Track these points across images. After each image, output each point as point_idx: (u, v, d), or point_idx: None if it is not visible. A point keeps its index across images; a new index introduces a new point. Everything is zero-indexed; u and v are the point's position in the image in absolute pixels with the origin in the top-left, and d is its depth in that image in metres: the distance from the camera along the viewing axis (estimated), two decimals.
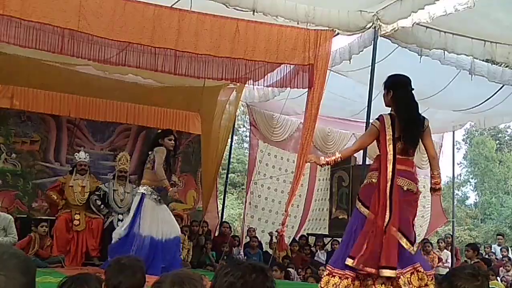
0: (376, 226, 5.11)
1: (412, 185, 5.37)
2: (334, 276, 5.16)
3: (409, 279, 5.02)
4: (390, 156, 5.26)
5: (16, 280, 1.51)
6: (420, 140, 5.42)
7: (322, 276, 5.41)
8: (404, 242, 5.10)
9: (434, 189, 5.58)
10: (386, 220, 5.07)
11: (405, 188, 5.28)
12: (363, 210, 5.27)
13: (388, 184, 5.17)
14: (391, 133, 5.30)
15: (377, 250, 5.04)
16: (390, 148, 5.26)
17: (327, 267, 5.37)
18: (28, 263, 1.59)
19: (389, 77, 5.64)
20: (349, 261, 5.10)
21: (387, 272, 4.98)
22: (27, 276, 1.54)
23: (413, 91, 5.58)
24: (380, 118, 5.37)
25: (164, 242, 7.75)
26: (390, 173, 5.20)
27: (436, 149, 14.86)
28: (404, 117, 5.36)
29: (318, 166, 5.94)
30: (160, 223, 7.81)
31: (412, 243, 5.15)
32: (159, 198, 7.88)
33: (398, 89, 5.50)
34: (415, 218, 5.45)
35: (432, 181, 5.57)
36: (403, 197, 5.24)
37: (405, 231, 5.16)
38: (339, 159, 5.43)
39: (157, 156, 7.84)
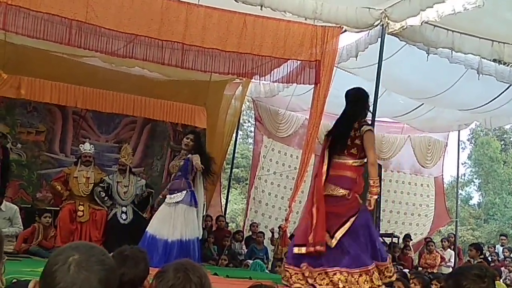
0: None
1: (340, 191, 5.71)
2: None
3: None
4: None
5: (91, 285, 1.56)
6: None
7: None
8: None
9: (369, 200, 5.76)
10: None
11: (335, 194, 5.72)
12: None
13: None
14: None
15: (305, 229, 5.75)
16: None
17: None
18: (111, 275, 1.63)
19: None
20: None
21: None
22: (104, 286, 1.59)
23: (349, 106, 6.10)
24: None
25: (170, 243, 7.73)
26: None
27: (441, 148, 15.08)
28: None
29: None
30: (170, 224, 7.79)
31: (330, 235, 5.55)
32: (170, 200, 7.88)
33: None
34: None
35: (369, 189, 5.74)
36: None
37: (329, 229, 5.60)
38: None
39: None
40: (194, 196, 7.89)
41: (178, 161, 8.07)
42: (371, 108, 8.19)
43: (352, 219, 5.59)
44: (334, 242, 5.51)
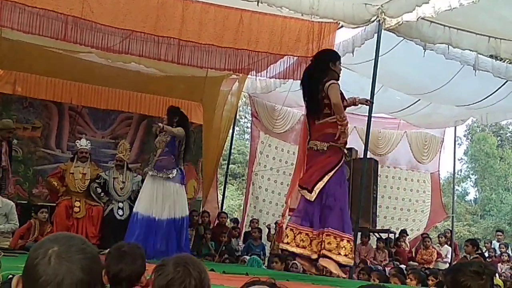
0: None
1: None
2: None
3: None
4: None
5: (74, 275, 1.55)
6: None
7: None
8: (303, 193, 5.80)
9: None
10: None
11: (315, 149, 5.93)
12: None
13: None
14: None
15: None
16: None
17: None
18: (93, 264, 1.63)
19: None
20: None
21: None
22: (87, 274, 1.58)
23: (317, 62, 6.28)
24: None
25: (161, 221, 7.70)
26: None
27: (437, 144, 15.06)
28: None
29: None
30: (159, 201, 7.75)
31: (309, 190, 5.76)
32: (157, 173, 7.81)
33: None
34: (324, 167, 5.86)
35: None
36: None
37: (304, 184, 5.90)
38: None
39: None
40: (183, 174, 7.93)
41: (164, 137, 8.05)
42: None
43: (330, 174, 5.76)
44: (313, 195, 5.70)
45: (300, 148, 6.51)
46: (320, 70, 6.09)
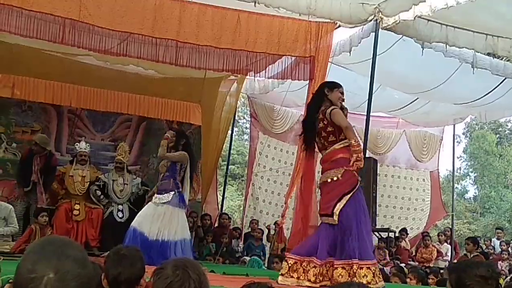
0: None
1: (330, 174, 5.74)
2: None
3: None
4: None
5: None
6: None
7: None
8: (325, 220, 5.63)
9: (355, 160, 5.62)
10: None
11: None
12: None
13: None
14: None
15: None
16: None
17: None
18: (89, 285, 1.64)
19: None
20: None
21: None
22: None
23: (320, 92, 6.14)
24: None
25: (150, 241, 7.57)
26: None
27: (436, 142, 15.06)
28: None
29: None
30: (153, 223, 7.64)
31: (329, 215, 5.56)
32: (158, 201, 7.72)
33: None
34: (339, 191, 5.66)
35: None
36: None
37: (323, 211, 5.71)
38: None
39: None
40: (182, 197, 7.78)
41: (165, 161, 7.99)
42: (367, 103, 8.23)
43: (347, 196, 5.54)
44: (335, 218, 5.50)
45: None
46: (316, 99, 6.06)
